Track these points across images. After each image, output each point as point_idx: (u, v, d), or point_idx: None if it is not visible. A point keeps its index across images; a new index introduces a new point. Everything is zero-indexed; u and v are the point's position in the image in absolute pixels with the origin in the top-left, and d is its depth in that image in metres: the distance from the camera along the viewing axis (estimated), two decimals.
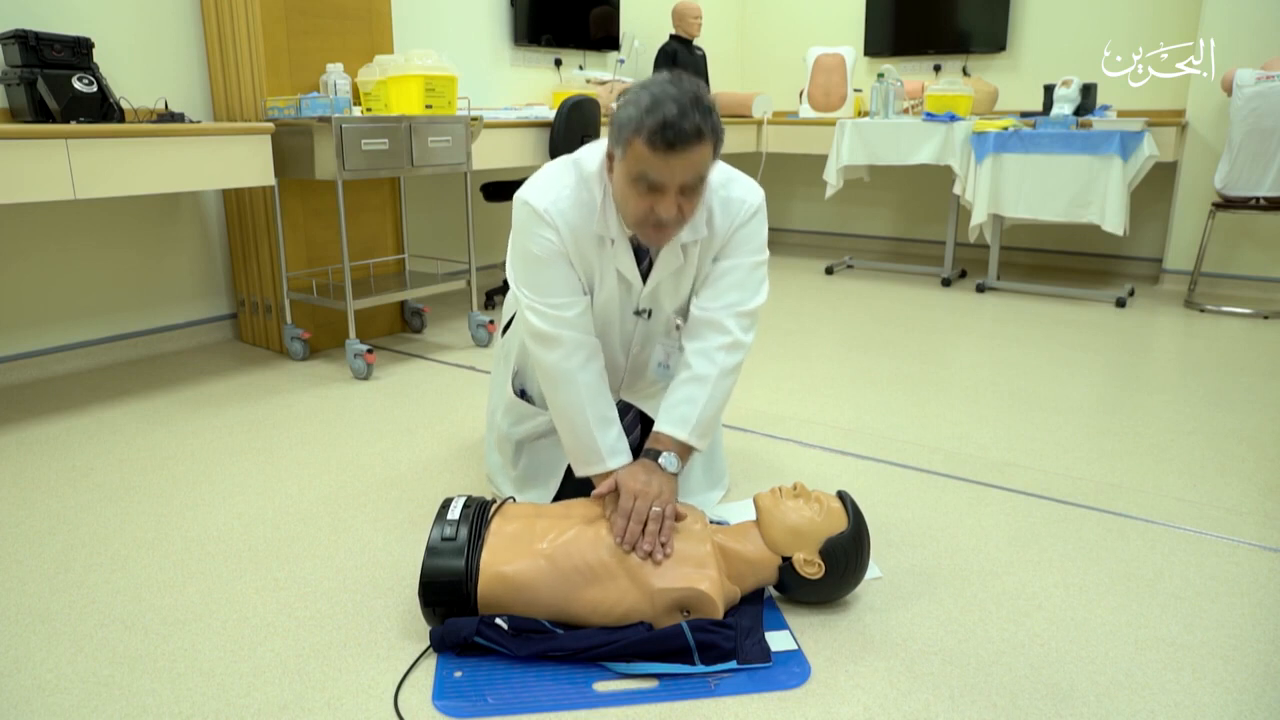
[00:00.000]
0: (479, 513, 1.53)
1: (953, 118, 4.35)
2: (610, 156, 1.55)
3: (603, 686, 1.35)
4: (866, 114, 4.88)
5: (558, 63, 4.78)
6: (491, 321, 3.36)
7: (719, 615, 1.44)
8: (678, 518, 1.54)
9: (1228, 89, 3.86)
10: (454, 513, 1.52)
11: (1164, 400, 2.72)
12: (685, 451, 1.66)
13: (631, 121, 1.44)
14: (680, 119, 1.40)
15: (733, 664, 1.38)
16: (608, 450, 1.63)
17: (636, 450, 1.70)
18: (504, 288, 2.12)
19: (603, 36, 4.94)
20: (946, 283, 4.61)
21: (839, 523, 1.52)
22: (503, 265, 2.22)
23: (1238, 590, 1.63)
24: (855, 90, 5.15)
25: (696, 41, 5.09)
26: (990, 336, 3.53)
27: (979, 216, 4.22)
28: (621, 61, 4.98)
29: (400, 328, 3.62)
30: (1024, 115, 4.62)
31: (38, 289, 2.93)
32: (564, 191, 1.60)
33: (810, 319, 3.83)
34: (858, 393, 2.79)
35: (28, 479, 2.15)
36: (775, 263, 1.62)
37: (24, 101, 2.52)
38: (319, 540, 1.83)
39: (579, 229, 1.60)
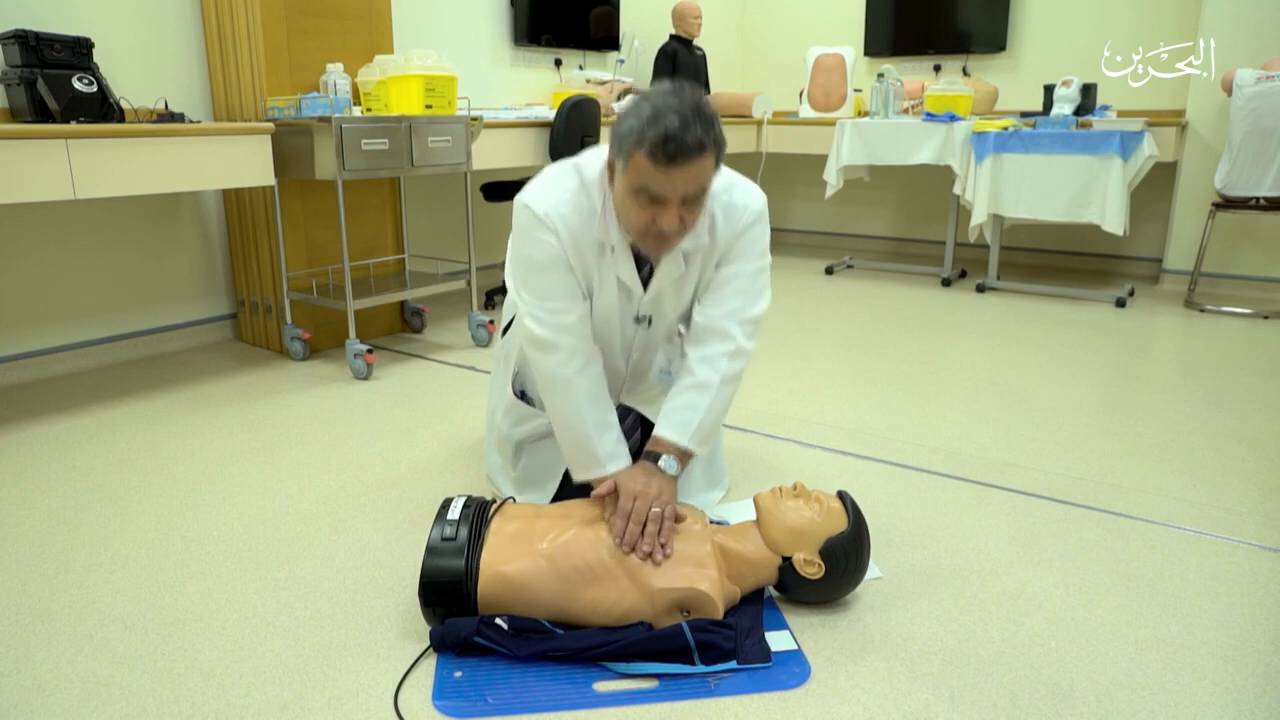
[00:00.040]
0: (479, 513, 1.53)
1: (953, 118, 4.35)
2: (611, 166, 1.54)
3: (603, 686, 1.35)
4: (866, 114, 4.87)
5: (558, 63, 4.78)
6: (491, 321, 3.36)
7: (719, 615, 1.44)
8: (677, 518, 1.54)
9: (1228, 89, 3.86)
10: (454, 513, 1.52)
11: (1164, 400, 2.72)
12: (685, 457, 1.65)
13: (633, 133, 1.43)
14: (682, 132, 1.39)
15: (733, 664, 1.38)
16: (606, 455, 1.63)
17: (636, 454, 1.70)
18: (504, 288, 2.12)
19: (603, 36, 4.94)
20: (946, 283, 4.61)
21: (839, 523, 1.52)
22: (503, 265, 2.22)
23: (1238, 590, 1.63)
24: (855, 90, 5.15)
25: (696, 41, 5.09)
26: (990, 336, 3.53)
27: (979, 216, 4.22)
28: (621, 61, 4.98)
29: (400, 328, 3.62)
30: (1024, 115, 4.62)
31: (38, 289, 2.94)
32: (565, 196, 1.59)
33: (810, 319, 3.83)
34: (858, 393, 2.79)
35: (28, 479, 2.15)
36: (775, 263, 1.62)
37: (24, 101, 2.52)
38: (319, 540, 1.83)
39: (579, 234, 1.59)
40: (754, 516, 1.58)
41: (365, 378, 2.94)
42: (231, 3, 2.99)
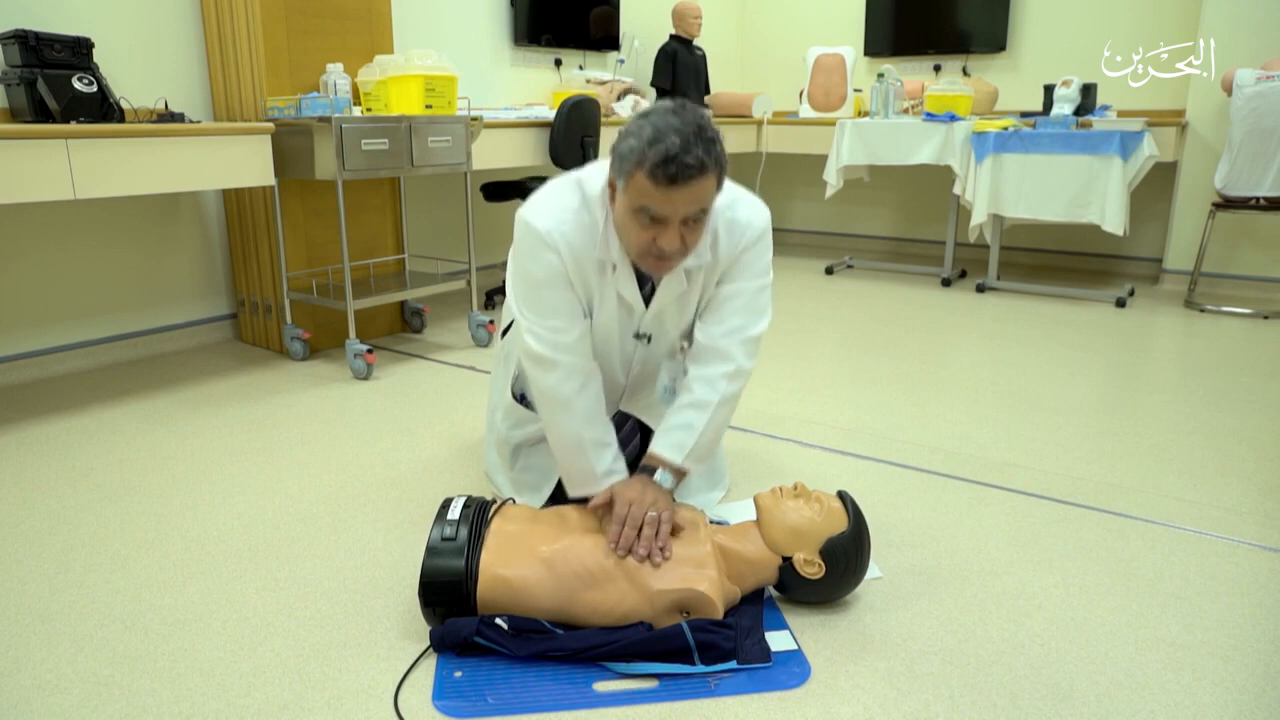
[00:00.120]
0: (479, 513, 1.53)
1: (953, 118, 4.35)
2: (612, 185, 1.52)
3: (603, 686, 1.35)
4: (866, 114, 4.87)
5: (558, 63, 4.78)
6: (491, 321, 3.36)
7: (719, 615, 1.44)
8: (675, 524, 1.54)
9: (1228, 89, 3.86)
10: (454, 513, 1.52)
11: (1164, 400, 2.72)
12: (679, 474, 1.65)
13: (633, 154, 1.41)
14: (683, 153, 1.37)
15: (733, 664, 1.38)
16: (603, 473, 1.63)
17: (634, 461, 1.69)
18: (504, 288, 2.12)
19: (603, 36, 4.94)
20: (946, 283, 4.61)
21: (839, 523, 1.52)
22: (503, 265, 2.21)
23: (1238, 590, 1.63)
24: (855, 90, 5.15)
25: (696, 41, 5.09)
26: (990, 336, 3.53)
27: (979, 216, 4.22)
28: (621, 61, 4.98)
29: (400, 328, 3.62)
30: (1024, 115, 4.62)
31: (38, 289, 2.94)
32: (566, 214, 1.58)
33: (810, 319, 3.83)
34: (858, 393, 2.79)
35: (28, 479, 2.15)
36: (776, 264, 1.61)
37: (24, 101, 2.52)
38: (319, 540, 1.83)
39: (580, 252, 1.58)
40: (754, 516, 1.58)
41: (365, 378, 2.94)
42: (231, 3, 2.99)
